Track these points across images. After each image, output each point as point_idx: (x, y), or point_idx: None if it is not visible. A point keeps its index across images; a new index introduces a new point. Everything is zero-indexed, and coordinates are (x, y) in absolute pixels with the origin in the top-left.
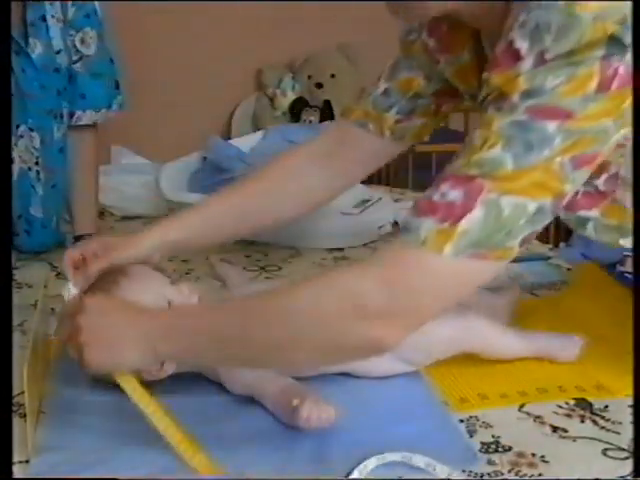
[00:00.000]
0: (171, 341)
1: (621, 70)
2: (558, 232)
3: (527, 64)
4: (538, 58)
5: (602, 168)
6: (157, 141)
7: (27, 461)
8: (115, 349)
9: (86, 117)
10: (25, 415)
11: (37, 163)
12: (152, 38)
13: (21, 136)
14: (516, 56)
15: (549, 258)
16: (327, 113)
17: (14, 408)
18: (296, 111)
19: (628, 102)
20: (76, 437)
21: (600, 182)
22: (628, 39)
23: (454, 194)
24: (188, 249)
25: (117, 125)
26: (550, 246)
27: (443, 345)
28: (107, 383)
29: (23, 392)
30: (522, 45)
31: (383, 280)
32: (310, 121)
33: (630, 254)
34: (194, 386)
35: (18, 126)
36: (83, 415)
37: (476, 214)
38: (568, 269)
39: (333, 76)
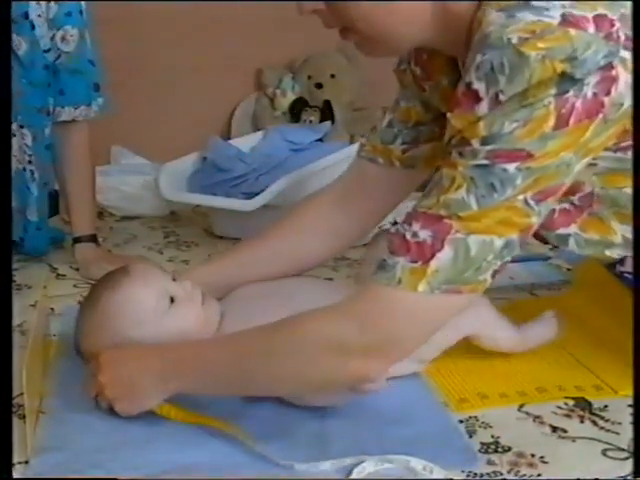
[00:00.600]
0: (180, 377)
1: (578, 104)
2: None
3: (484, 107)
4: (493, 100)
5: (575, 189)
6: (157, 141)
7: (27, 462)
8: (137, 396)
9: (65, 113)
10: (24, 416)
11: (30, 162)
12: (151, 38)
13: (13, 134)
14: (475, 97)
15: (549, 258)
16: (327, 113)
17: (13, 409)
18: (296, 111)
19: (588, 134)
20: (76, 437)
21: (575, 198)
22: (580, 73)
23: (424, 234)
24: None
25: (117, 125)
26: (550, 246)
27: (449, 330)
28: None
29: (22, 393)
30: (479, 87)
31: (362, 319)
32: (310, 121)
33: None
34: None
35: None
36: (83, 415)
37: (445, 254)
38: (568, 269)
39: (333, 76)
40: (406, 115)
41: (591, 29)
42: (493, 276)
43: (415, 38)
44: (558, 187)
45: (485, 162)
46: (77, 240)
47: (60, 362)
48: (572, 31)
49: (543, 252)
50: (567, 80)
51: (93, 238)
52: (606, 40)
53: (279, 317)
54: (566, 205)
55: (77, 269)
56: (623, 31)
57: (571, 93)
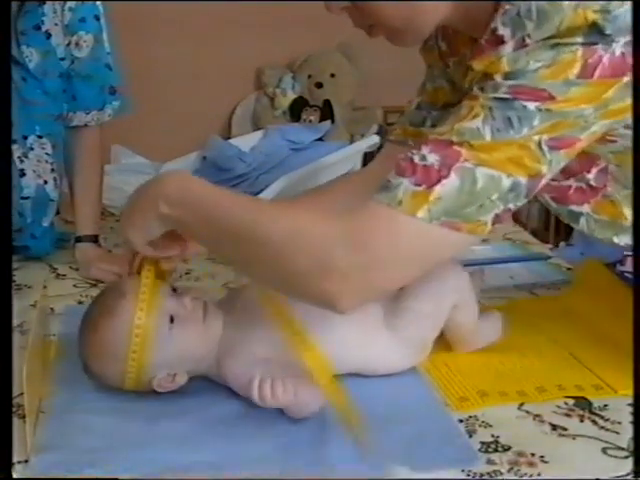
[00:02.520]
0: (176, 208)
1: (605, 60)
2: (558, 232)
3: (508, 48)
4: (519, 43)
5: (591, 161)
6: (157, 140)
7: (26, 461)
8: (136, 213)
9: (77, 118)
10: (24, 416)
11: (53, 170)
12: (152, 37)
13: (31, 148)
14: (497, 41)
15: (549, 258)
16: (327, 113)
17: (13, 409)
18: (296, 111)
19: (611, 92)
20: (75, 437)
21: (591, 176)
22: (610, 28)
23: (432, 158)
24: None
25: (117, 125)
26: (550, 246)
27: (453, 292)
28: (108, 387)
29: (22, 393)
30: (505, 32)
31: (353, 237)
32: (310, 121)
33: (630, 254)
34: (200, 390)
35: (26, 137)
36: (82, 415)
37: (451, 181)
38: (568, 269)
39: (333, 76)
40: (433, 97)
41: None
42: (493, 222)
43: (438, 20)
44: (573, 140)
45: (506, 96)
46: (78, 239)
47: (60, 362)
48: None
49: (543, 252)
50: (596, 32)
51: (95, 238)
52: None
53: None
54: (582, 184)
55: (77, 269)
56: None
57: (600, 46)
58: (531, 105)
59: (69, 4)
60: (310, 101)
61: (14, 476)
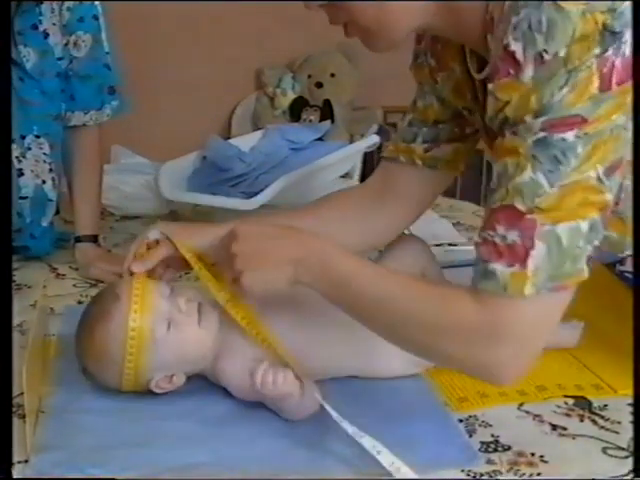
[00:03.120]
0: (311, 273)
1: (617, 63)
2: None
3: (528, 71)
4: (537, 61)
5: None
6: (156, 140)
7: (26, 461)
8: (267, 270)
9: (75, 118)
10: (24, 416)
11: (51, 170)
12: (152, 37)
13: (29, 148)
14: (512, 59)
15: None
16: (327, 112)
17: (13, 409)
18: (296, 111)
19: (630, 95)
20: (75, 437)
21: None
22: (619, 25)
23: (512, 235)
24: None
25: (116, 125)
26: None
27: None
28: (106, 389)
29: (22, 393)
30: (516, 48)
31: (485, 333)
32: (310, 120)
33: (630, 254)
34: (200, 390)
35: (24, 137)
36: (82, 415)
37: (538, 250)
38: None
39: (333, 75)
40: (424, 114)
41: None
42: (588, 263)
43: (412, 24)
44: (620, 158)
45: (542, 134)
46: (78, 239)
47: (60, 362)
48: None
49: None
50: (608, 34)
51: (94, 238)
52: None
53: (288, 323)
54: None
55: (77, 269)
56: None
57: (610, 52)
58: (569, 135)
59: (67, 4)
60: (310, 101)
61: (14, 476)
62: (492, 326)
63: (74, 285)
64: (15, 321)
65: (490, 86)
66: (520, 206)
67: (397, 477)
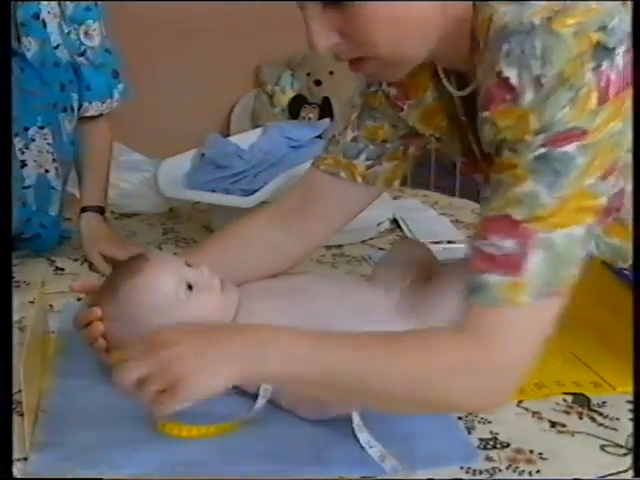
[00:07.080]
0: (265, 361)
1: (612, 76)
2: None
3: (528, 96)
4: (535, 85)
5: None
6: (155, 138)
7: (25, 458)
8: (206, 372)
9: (93, 108)
10: (23, 413)
11: (54, 160)
12: (151, 35)
13: (32, 139)
14: (507, 85)
15: None
16: (326, 110)
17: (13, 407)
18: (295, 108)
19: (628, 102)
20: (75, 434)
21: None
22: (612, 42)
23: (507, 245)
24: None
25: (115, 122)
26: None
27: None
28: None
29: (20, 390)
30: (510, 73)
31: (479, 346)
32: (309, 118)
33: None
34: None
35: (27, 129)
36: (82, 412)
37: (535, 259)
38: None
39: (332, 73)
40: (373, 134)
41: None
42: (579, 266)
43: (425, 51)
44: (615, 161)
45: (543, 150)
46: (84, 210)
47: (59, 359)
48: (593, 4)
49: None
50: (602, 50)
51: (101, 210)
52: (625, 8)
53: (297, 314)
54: None
55: (76, 259)
56: None
57: (605, 66)
58: (569, 148)
59: None
60: (309, 98)
61: (14, 475)
62: (483, 344)
63: (74, 281)
64: (14, 318)
65: (486, 114)
66: (517, 216)
67: (387, 471)
